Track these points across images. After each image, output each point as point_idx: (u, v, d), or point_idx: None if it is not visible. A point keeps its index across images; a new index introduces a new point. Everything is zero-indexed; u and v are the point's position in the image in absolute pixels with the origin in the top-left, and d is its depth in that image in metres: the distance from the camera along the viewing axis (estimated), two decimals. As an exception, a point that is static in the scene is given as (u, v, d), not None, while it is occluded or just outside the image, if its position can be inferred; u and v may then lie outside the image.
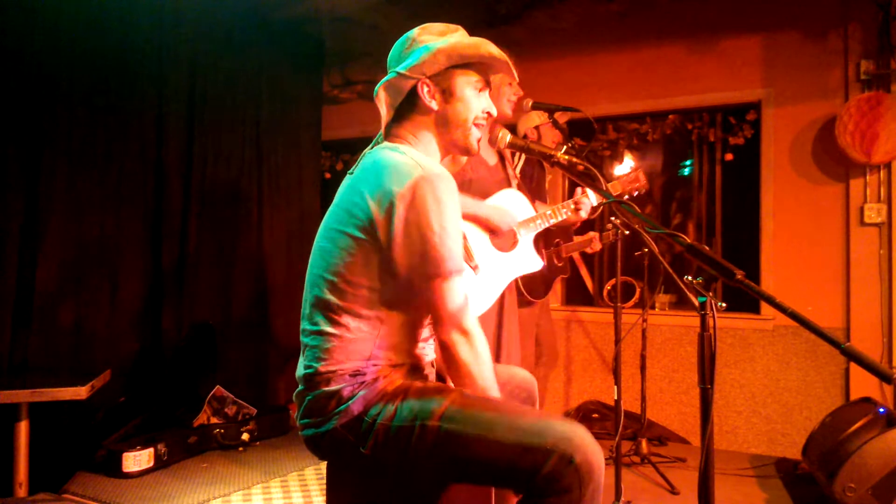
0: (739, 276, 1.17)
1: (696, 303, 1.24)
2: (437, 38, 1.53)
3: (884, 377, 1.08)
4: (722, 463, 3.44)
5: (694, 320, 1.25)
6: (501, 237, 2.38)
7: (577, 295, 4.46)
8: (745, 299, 3.74)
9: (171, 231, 3.74)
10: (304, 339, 1.49)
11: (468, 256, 2.30)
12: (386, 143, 1.54)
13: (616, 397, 2.75)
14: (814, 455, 2.93)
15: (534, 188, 3.20)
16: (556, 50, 4.29)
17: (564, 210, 2.58)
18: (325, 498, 1.59)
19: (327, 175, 5.34)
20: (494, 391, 1.44)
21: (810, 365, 3.63)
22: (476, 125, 1.56)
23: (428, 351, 1.56)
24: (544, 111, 2.68)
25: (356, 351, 1.42)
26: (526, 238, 2.49)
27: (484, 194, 2.46)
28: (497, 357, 2.45)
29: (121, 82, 3.45)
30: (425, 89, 1.51)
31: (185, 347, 3.78)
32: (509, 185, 2.60)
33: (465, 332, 1.40)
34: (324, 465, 1.60)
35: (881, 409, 2.80)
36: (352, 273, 1.42)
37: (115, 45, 3.41)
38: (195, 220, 3.86)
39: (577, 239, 3.02)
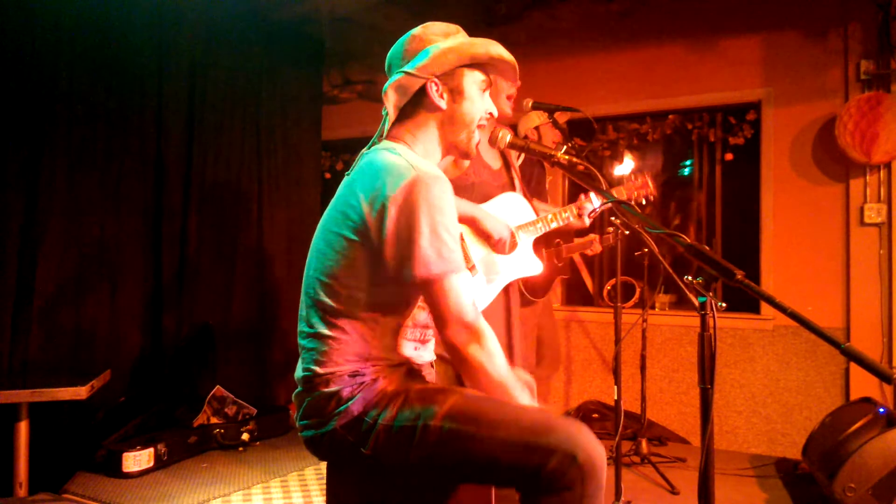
0: (739, 276, 1.17)
1: (696, 303, 1.24)
2: (442, 38, 1.54)
3: (884, 377, 1.08)
4: (722, 463, 3.44)
5: (694, 320, 1.24)
6: (496, 243, 2.36)
7: (577, 295, 4.46)
8: (745, 299, 3.74)
9: (171, 231, 3.74)
10: (301, 342, 1.49)
11: (465, 258, 2.30)
12: (383, 144, 1.54)
13: (616, 397, 2.75)
14: (814, 455, 2.93)
15: (533, 188, 3.20)
16: (556, 50, 4.29)
17: (567, 215, 2.57)
18: (325, 498, 1.59)
19: (327, 175, 5.34)
20: (513, 386, 1.42)
21: (810, 365, 3.63)
22: (479, 126, 1.57)
23: (427, 351, 1.55)
24: (544, 111, 2.67)
25: (354, 352, 1.42)
26: (525, 241, 2.49)
27: (486, 197, 2.46)
28: (510, 360, 2.44)
29: (121, 82, 3.45)
30: (434, 88, 1.50)
31: (185, 347, 3.78)
32: (513, 189, 2.59)
33: (471, 331, 1.37)
34: (324, 465, 1.60)
35: (881, 409, 2.81)
36: (347, 275, 1.42)
37: (115, 45, 3.41)
38: (195, 219, 3.86)
39: (577, 240, 3.02)
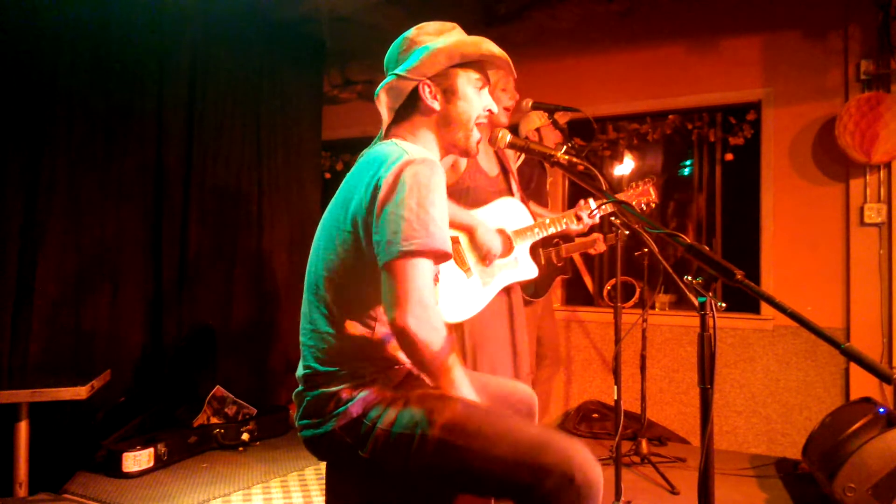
0: (739, 277, 1.17)
1: (696, 303, 1.24)
2: (435, 38, 1.53)
3: (884, 377, 1.08)
4: (722, 463, 3.44)
5: (694, 320, 1.24)
6: (485, 255, 2.35)
7: (577, 295, 4.46)
8: (745, 299, 3.74)
9: (171, 231, 3.74)
10: (303, 339, 1.49)
11: (460, 261, 2.30)
12: (382, 141, 1.54)
13: (616, 397, 2.75)
14: (814, 455, 2.93)
15: (533, 189, 3.20)
16: (556, 50, 4.29)
17: (565, 220, 2.56)
18: (324, 498, 1.59)
19: (327, 175, 5.34)
20: (460, 381, 1.38)
21: (810, 365, 3.63)
22: (477, 124, 1.56)
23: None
24: (544, 111, 2.67)
25: (355, 352, 1.42)
26: (522, 246, 2.48)
27: (481, 202, 2.44)
28: (514, 363, 2.44)
29: (121, 82, 3.45)
30: (426, 90, 1.50)
31: (185, 347, 3.78)
32: (511, 196, 2.58)
33: (430, 315, 1.32)
34: (324, 465, 1.60)
35: (881, 409, 2.81)
36: (348, 272, 1.42)
37: (115, 45, 3.41)
38: (195, 219, 3.86)
39: (578, 240, 3.02)
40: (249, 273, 4.20)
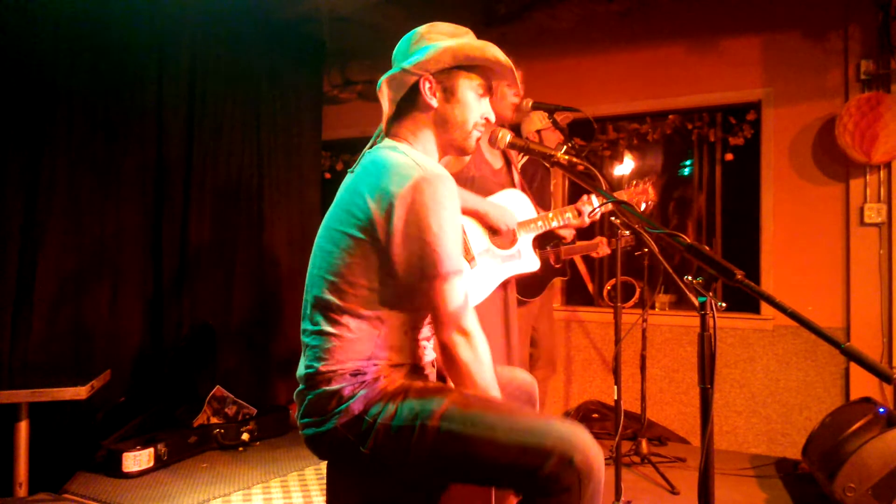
0: (739, 276, 1.17)
1: (696, 303, 1.24)
2: (446, 38, 1.55)
3: (884, 377, 1.08)
4: (722, 463, 3.44)
5: (694, 320, 1.24)
6: (500, 235, 2.39)
7: (577, 295, 4.46)
8: (745, 299, 3.74)
9: (171, 231, 3.74)
10: (304, 339, 1.50)
11: (465, 250, 2.31)
12: (386, 142, 1.55)
13: (616, 397, 2.75)
14: (814, 455, 2.93)
15: (536, 189, 3.20)
16: (556, 50, 4.29)
17: (567, 214, 2.58)
18: (325, 498, 1.59)
19: (327, 175, 5.34)
20: (494, 391, 1.44)
21: (810, 365, 3.63)
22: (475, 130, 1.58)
23: (428, 350, 1.56)
24: (544, 111, 2.68)
25: (357, 350, 1.42)
26: (525, 238, 2.50)
27: (486, 193, 2.46)
28: (507, 357, 2.45)
29: (121, 82, 3.45)
30: (427, 86, 1.51)
31: (185, 347, 3.78)
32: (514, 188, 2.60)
33: (464, 333, 1.40)
34: (324, 465, 1.60)
35: (881, 409, 2.81)
36: (351, 273, 1.42)
37: (116, 45, 3.41)
38: (195, 219, 3.86)
39: (580, 243, 3.02)
40: (249, 273, 4.20)
